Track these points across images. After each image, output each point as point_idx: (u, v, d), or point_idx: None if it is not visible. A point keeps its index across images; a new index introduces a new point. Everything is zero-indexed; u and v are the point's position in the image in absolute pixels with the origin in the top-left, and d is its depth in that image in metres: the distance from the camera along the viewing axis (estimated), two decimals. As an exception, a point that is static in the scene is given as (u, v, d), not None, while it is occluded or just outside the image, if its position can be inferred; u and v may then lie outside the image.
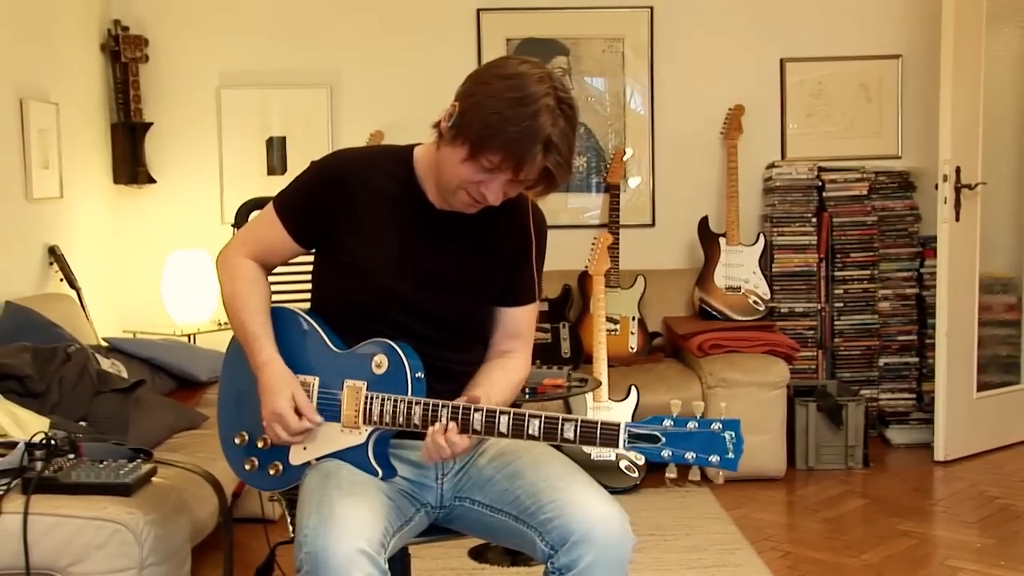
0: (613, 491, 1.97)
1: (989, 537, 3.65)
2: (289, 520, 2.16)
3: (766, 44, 5.06)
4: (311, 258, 2.18)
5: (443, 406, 1.91)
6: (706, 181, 5.08)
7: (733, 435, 1.77)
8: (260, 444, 2.10)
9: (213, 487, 2.74)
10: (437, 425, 1.90)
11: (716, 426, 1.78)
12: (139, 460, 2.64)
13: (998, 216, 4.90)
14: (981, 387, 4.69)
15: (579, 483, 1.95)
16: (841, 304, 4.89)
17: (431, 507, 2.07)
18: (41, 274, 4.17)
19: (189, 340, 4.52)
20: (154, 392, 3.56)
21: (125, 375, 3.53)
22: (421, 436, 1.93)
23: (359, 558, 1.76)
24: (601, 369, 4.19)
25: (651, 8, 5.04)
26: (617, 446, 1.80)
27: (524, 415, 1.87)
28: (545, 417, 1.86)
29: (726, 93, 5.01)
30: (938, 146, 4.46)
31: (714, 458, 1.78)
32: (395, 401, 1.94)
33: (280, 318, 2.12)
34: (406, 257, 2.06)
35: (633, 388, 4.18)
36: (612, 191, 4.96)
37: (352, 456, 1.98)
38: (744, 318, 4.75)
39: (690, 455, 1.78)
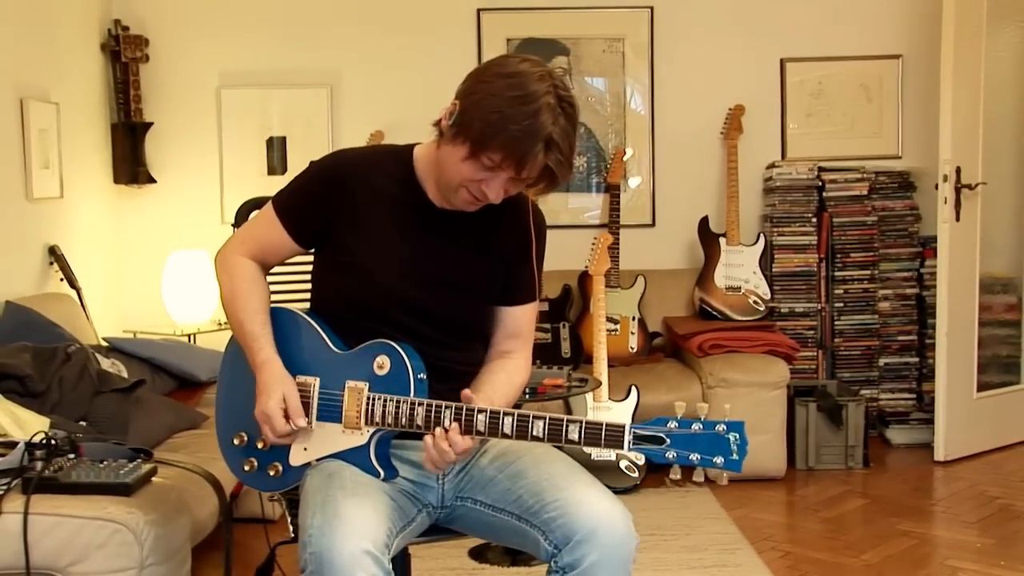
0: (613, 491, 1.96)
1: (989, 537, 3.65)
2: (289, 520, 2.15)
3: (766, 44, 5.06)
4: (311, 258, 2.18)
5: (446, 407, 1.91)
6: (706, 181, 5.08)
7: (737, 436, 1.77)
8: (259, 445, 2.09)
9: (213, 487, 2.74)
10: (437, 431, 1.89)
11: (721, 428, 1.78)
12: (139, 460, 2.64)
13: (998, 216, 4.90)
14: (981, 387, 4.69)
15: (582, 482, 1.95)
16: (841, 304, 4.89)
17: (433, 507, 2.07)
18: (41, 274, 4.17)
19: (189, 340, 4.52)
20: (154, 392, 3.56)
21: (125, 375, 3.52)
22: (422, 437, 1.93)
23: (364, 558, 1.76)
24: (601, 369, 4.18)
25: (651, 8, 5.04)
26: (622, 448, 1.80)
27: (528, 416, 1.87)
28: (549, 418, 1.86)
29: (726, 93, 5.01)
30: (938, 146, 4.46)
31: (719, 459, 1.78)
32: (397, 402, 1.94)
33: (280, 318, 2.12)
34: (407, 256, 2.06)
35: (633, 388, 4.18)
36: (612, 191, 4.96)
37: (354, 457, 1.98)
38: (744, 318, 4.75)
39: (694, 456, 1.78)
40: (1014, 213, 5.04)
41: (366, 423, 1.97)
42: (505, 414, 1.88)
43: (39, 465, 2.42)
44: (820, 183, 4.89)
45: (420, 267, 2.06)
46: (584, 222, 5.08)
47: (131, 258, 4.97)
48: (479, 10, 5.02)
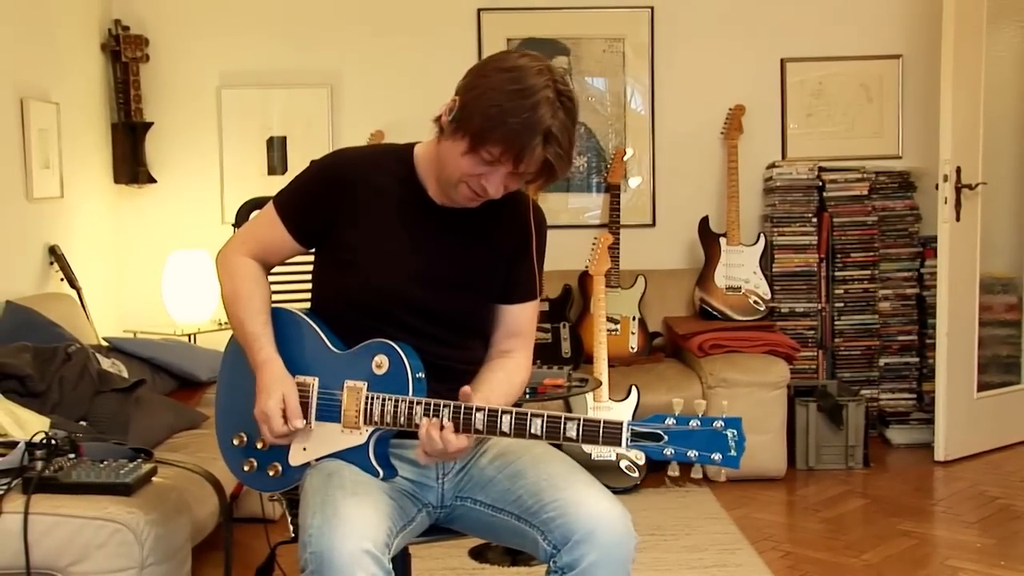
0: (613, 491, 1.96)
1: (989, 537, 3.65)
2: (290, 520, 2.15)
3: (766, 44, 5.06)
4: (311, 258, 2.18)
5: (444, 405, 1.91)
6: (706, 181, 5.08)
7: (735, 433, 1.77)
8: (259, 445, 2.09)
9: (213, 487, 2.74)
10: (434, 420, 1.89)
11: (718, 424, 1.78)
12: (139, 460, 2.64)
13: (998, 216, 4.90)
14: (981, 387, 4.69)
15: (581, 482, 1.94)
16: (841, 304, 4.89)
17: (432, 507, 2.07)
18: (41, 274, 4.17)
19: (189, 340, 4.52)
20: (154, 392, 3.56)
21: (125, 375, 3.52)
22: (421, 436, 1.93)
23: (364, 558, 1.76)
24: (601, 369, 4.19)
25: (651, 8, 5.04)
26: (620, 445, 1.80)
27: (526, 414, 1.87)
28: (548, 416, 1.86)
29: (726, 93, 5.01)
30: (938, 146, 4.46)
31: (717, 456, 1.78)
32: (396, 401, 1.94)
33: (280, 319, 2.12)
34: (409, 255, 2.06)
35: (633, 388, 4.18)
36: (612, 191, 4.96)
37: (353, 456, 1.98)
38: (744, 318, 4.75)
39: (692, 453, 1.78)
40: (1014, 213, 5.04)
41: (365, 422, 1.97)
42: (503, 412, 1.88)
43: (39, 465, 2.42)
44: (820, 183, 4.89)
45: (421, 265, 2.06)
46: (584, 222, 5.08)
47: (131, 258, 4.97)
48: (479, 10, 5.02)
